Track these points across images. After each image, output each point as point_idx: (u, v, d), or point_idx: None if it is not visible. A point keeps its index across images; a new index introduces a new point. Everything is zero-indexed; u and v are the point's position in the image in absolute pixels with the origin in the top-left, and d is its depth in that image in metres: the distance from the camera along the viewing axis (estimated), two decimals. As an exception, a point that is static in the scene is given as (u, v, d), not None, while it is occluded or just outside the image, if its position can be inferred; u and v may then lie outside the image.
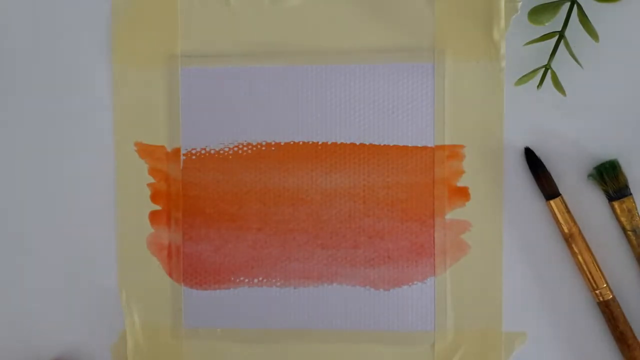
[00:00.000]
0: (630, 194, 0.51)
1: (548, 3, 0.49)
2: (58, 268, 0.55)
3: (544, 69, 0.50)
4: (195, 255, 0.54)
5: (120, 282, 0.55)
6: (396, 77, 0.52)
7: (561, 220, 0.51)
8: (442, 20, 0.52)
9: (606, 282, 0.51)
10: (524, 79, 0.50)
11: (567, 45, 0.49)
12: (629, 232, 0.51)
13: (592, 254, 0.51)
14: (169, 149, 0.54)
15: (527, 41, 0.50)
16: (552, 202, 0.51)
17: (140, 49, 0.54)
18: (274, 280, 0.54)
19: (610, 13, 0.51)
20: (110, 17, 0.54)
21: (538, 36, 0.50)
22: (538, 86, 0.50)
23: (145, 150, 0.54)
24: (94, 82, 0.54)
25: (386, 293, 0.53)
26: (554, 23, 0.49)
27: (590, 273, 0.51)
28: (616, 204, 0.51)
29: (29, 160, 0.55)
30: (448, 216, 0.53)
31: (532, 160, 0.51)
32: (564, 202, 0.51)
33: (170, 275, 0.54)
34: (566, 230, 0.51)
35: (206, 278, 0.54)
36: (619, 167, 0.51)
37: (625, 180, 0.51)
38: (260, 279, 0.54)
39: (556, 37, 0.49)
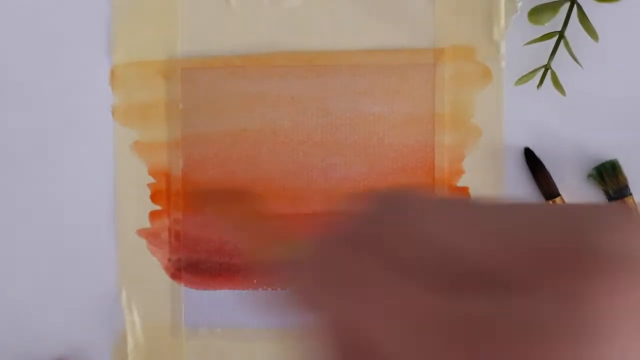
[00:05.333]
0: (631, 194, 0.51)
1: (548, 3, 0.49)
2: (58, 268, 0.55)
3: (543, 68, 0.50)
4: (195, 255, 0.54)
5: (120, 282, 0.55)
6: (396, 77, 0.52)
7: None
8: (442, 20, 0.52)
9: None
10: (523, 79, 0.50)
11: (567, 45, 0.49)
12: (629, 232, 0.51)
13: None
14: (169, 149, 0.54)
15: (527, 41, 0.50)
16: (551, 202, 0.51)
17: (140, 49, 0.54)
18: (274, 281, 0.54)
19: (610, 13, 0.51)
20: (110, 17, 0.54)
21: (538, 36, 0.50)
22: (538, 86, 0.50)
23: (145, 150, 0.54)
24: (93, 82, 0.54)
25: (386, 293, 0.53)
26: (554, 23, 0.49)
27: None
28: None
29: (28, 160, 0.55)
30: (448, 216, 0.52)
31: (532, 161, 0.51)
32: (563, 202, 0.51)
33: (170, 275, 0.54)
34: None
35: (206, 278, 0.54)
36: (619, 167, 0.51)
37: (625, 180, 0.51)
38: (260, 279, 0.54)
39: (556, 37, 0.49)
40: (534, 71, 0.50)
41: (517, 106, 0.52)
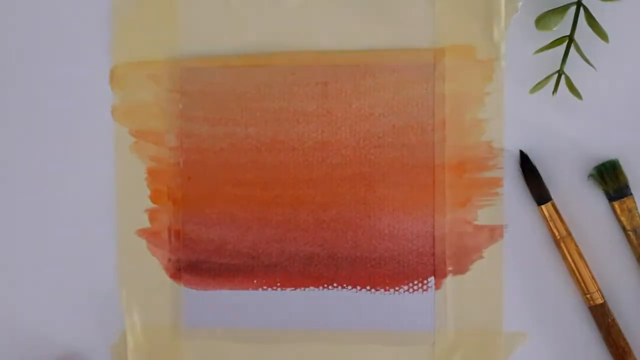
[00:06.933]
0: (631, 193, 0.51)
1: (554, 9, 0.49)
2: (58, 268, 0.55)
3: (557, 74, 0.50)
4: (195, 255, 0.54)
5: (120, 282, 0.55)
6: (396, 77, 0.52)
7: (552, 225, 0.51)
8: (442, 20, 0.52)
9: (597, 287, 0.51)
10: (538, 86, 0.50)
11: (577, 48, 0.49)
12: (629, 232, 0.51)
13: (583, 258, 0.51)
14: (169, 149, 0.54)
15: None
16: (543, 207, 0.51)
17: (140, 49, 0.54)
18: (274, 281, 0.54)
19: (611, 13, 0.51)
20: (110, 17, 0.54)
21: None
22: (553, 92, 0.50)
23: (145, 150, 0.54)
24: (94, 82, 0.54)
25: (386, 293, 0.53)
26: (560, 27, 0.49)
27: (582, 277, 0.51)
28: (616, 204, 0.51)
29: (28, 160, 0.55)
30: (449, 216, 0.53)
31: (525, 164, 0.51)
32: (554, 206, 0.51)
33: (170, 275, 0.54)
34: (557, 235, 0.51)
35: (206, 278, 0.54)
36: (620, 167, 0.51)
37: (626, 180, 0.51)
38: (260, 279, 0.54)
39: (565, 42, 0.49)
40: (548, 77, 0.50)
41: (517, 106, 0.52)
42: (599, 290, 0.51)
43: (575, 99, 0.50)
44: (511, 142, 0.52)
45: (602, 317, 0.51)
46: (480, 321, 0.52)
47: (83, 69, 0.54)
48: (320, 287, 0.53)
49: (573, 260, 0.51)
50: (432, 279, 0.53)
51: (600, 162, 0.51)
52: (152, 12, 0.54)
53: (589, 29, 0.49)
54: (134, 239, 0.54)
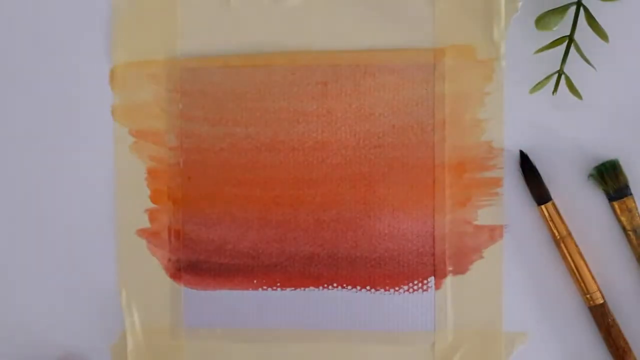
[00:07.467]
0: (631, 193, 0.51)
1: (554, 9, 0.49)
2: (58, 268, 0.55)
3: (557, 74, 0.50)
4: (195, 255, 0.54)
5: (120, 282, 0.55)
6: (396, 77, 0.52)
7: (552, 225, 0.51)
8: (442, 20, 0.52)
9: (597, 287, 0.51)
10: (538, 86, 0.50)
11: (577, 48, 0.49)
12: (629, 232, 0.51)
13: (583, 258, 0.51)
14: (168, 148, 0.54)
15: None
16: (543, 207, 0.51)
17: (140, 49, 0.54)
18: (274, 281, 0.54)
19: (611, 13, 0.51)
20: (110, 17, 0.54)
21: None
22: (553, 92, 0.50)
23: (145, 150, 0.54)
24: (93, 82, 0.54)
25: (386, 293, 0.53)
26: (560, 27, 0.49)
27: (582, 277, 0.51)
28: (616, 204, 0.51)
29: (28, 160, 0.55)
30: (449, 216, 0.53)
31: (525, 164, 0.51)
32: (555, 206, 0.51)
33: (170, 275, 0.54)
34: (557, 235, 0.51)
35: (206, 278, 0.54)
36: (620, 167, 0.51)
37: (626, 180, 0.51)
38: (260, 279, 0.54)
39: (565, 42, 0.49)
40: (548, 77, 0.50)
41: (517, 106, 0.52)
42: (599, 290, 0.51)
43: (575, 99, 0.50)
44: (511, 142, 0.52)
45: (602, 317, 0.51)
46: (480, 321, 0.52)
47: (83, 69, 0.55)
48: (320, 287, 0.53)
49: (573, 260, 0.51)
50: (432, 279, 0.53)
51: (600, 162, 0.51)
52: (152, 12, 0.54)
53: (589, 29, 0.49)
54: (134, 239, 0.54)
